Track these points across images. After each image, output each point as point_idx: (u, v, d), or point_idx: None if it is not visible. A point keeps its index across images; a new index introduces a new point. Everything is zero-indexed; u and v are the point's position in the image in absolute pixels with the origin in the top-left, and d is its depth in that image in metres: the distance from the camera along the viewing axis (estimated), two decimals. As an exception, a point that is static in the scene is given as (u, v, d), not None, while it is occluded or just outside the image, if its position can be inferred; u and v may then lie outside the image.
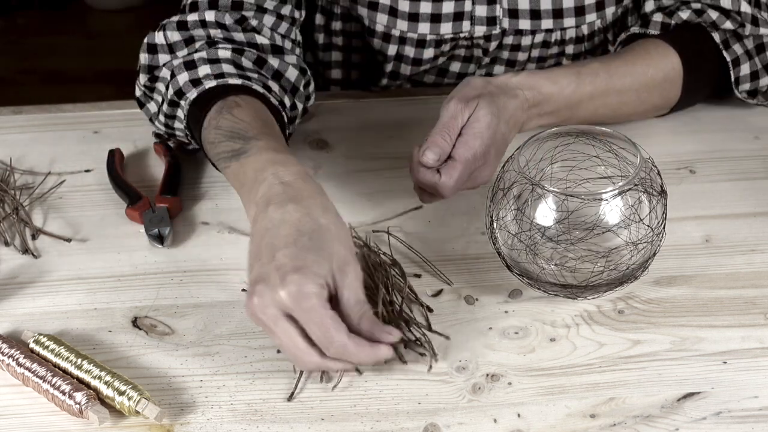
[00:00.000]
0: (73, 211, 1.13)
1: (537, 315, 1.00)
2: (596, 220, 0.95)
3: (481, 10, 1.24)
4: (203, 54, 1.11)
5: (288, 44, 1.16)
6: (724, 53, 1.19)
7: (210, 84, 1.08)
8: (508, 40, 1.27)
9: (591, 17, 1.26)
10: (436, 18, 1.25)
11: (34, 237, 1.09)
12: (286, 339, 0.87)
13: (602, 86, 1.13)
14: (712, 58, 1.20)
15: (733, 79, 1.20)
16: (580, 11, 1.25)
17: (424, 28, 1.25)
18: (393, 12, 1.25)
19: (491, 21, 1.25)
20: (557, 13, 1.25)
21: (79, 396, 0.89)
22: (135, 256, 1.07)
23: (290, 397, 0.92)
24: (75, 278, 1.05)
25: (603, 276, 0.96)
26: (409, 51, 1.28)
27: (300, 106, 1.16)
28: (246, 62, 1.11)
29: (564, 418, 0.90)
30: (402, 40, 1.28)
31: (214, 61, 1.10)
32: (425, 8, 1.24)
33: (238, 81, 1.08)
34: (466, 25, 1.25)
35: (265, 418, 0.90)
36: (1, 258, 1.07)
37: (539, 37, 1.27)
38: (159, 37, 1.13)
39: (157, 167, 1.19)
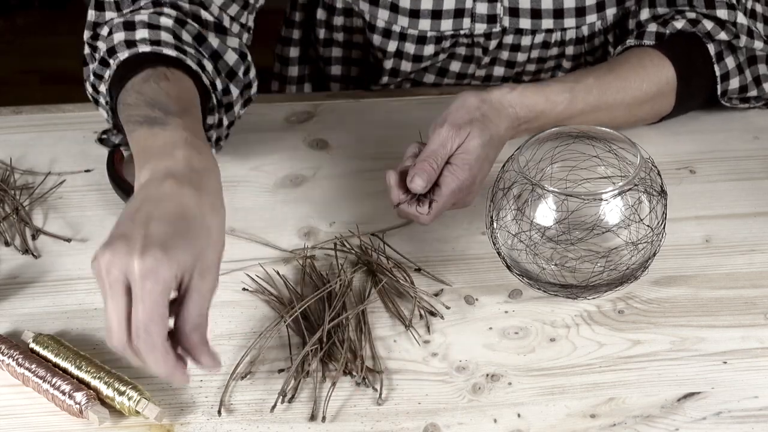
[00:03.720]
0: (73, 211, 1.13)
1: (537, 315, 1.00)
2: (596, 220, 0.95)
3: (482, 8, 1.24)
4: (144, 17, 1.07)
5: (236, 27, 1.15)
6: (716, 67, 1.18)
7: (144, 48, 1.05)
8: (508, 39, 1.27)
9: (591, 18, 1.26)
10: (436, 14, 1.25)
11: (34, 237, 1.09)
12: (111, 306, 0.81)
13: (594, 103, 1.12)
14: (705, 69, 1.18)
15: (719, 92, 1.19)
16: (580, 12, 1.25)
17: (424, 24, 1.25)
18: (394, 8, 1.26)
19: (491, 19, 1.25)
20: (558, 13, 1.25)
21: (79, 396, 0.89)
22: (135, 256, 1.07)
23: (291, 399, 0.92)
24: (75, 278, 1.05)
25: (603, 276, 0.96)
26: (410, 48, 1.28)
27: (235, 91, 1.12)
28: (186, 36, 1.09)
29: (564, 418, 0.90)
30: (402, 37, 1.28)
31: (154, 26, 1.07)
32: (426, 4, 1.24)
33: (173, 53, 1.05)
34: (466, 22, 1.25)
35: (264, 418, 0.90)
36: (1, 258, 1.07)
37: (539, 38, 1.27)
38: None
39: (157, 167, 1.18)
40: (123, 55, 1.06)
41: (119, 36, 1.07)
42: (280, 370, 0.94)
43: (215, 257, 0.85)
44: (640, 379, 0.93)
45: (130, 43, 1.06)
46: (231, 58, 1.12)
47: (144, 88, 1.00)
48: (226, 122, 1.12)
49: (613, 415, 0.90)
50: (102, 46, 1.10)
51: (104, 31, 1.10)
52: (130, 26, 1.07)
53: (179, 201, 0.85)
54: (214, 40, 1.11)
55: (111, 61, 1.07)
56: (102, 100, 1.12)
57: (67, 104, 1.29)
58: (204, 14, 1.12)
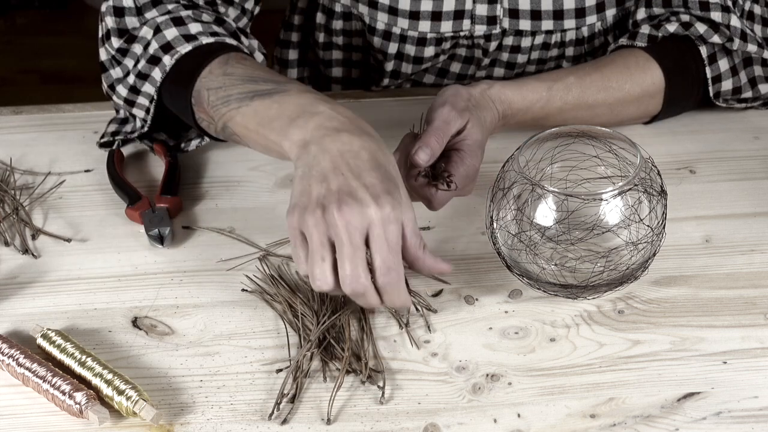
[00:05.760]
0: (73, 211, 1.13)
1: (537, 315, 1.00)
2: (596, 220, 0.95)
3: (482, 9, 1.24)
4: (189, 13, 1.11)
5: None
6: (707, 69, 1.18)
7: (207, 40, 1.08)
8: (508, 40, 1.27)
9: (591, 19, 1.26)
10: (436, 16, 1.25)
11: (34, 237, 1.09)
12: (350, 253, 0.87)
13: (573, 101, 1.13)
14: (696, 71, 1.18)
15: (712, 94, 1.20)
16: (580, 13, 1.25)
17: (424, 26, 1.26)
18: (393, 10, 1.26)
19: (491, 20, 1.25)
20: (557, 15, 1.25)
21: (79, 396, 0.89)
22: (135, 256, 1.07)
23: (292, 399, 0.91)
24: (75, 278, 1.05)
25: (603, 276, 0.96)
26: (410, 49, 1.28)
27: None
28: (224, 32, 1.13)
29: (564, 418, 0.90)
30: (403, 39, 1.28)
31: (202, 22, 1.11)
32: (426, 6, 1.24)
33: (234, 42, 1.09)
34: (466, 23, 1.25)
35: (264, 418, 0.90)
36: (1, 258, 1.07)
37: (539, 39, 1.27)
38: (126, 0, 1.13)
39: (157, 167, 1.19)
40: (185, 48, 1.08)
41: (172, 32, 1.10)
42: (278, 370, 0.94)
43: (404, 186, 0.93)
44: (640, 379, 0.93)
45: (188, 37, 1.09)
46: (259, 57, 1.16)
47: (230, 70, 1.04)
48: None
49: (613, 415, 0.90)
50: (138, 48, 1.11)
51: (144, 32, 1.12)
52: (179, 22, 1.10)
53: (368, 150, 0.92)
54: (244, 39, 1.15)
55: (167, 57, 1.09)
56: (143, 100, 1.13)
57: (67, 104, 1.29)
58: (227, 20, 1.16)
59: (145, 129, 1.16)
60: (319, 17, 1.34)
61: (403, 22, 1.26)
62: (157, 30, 1.10)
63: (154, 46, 1.10)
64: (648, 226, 0.96)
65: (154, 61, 1.10)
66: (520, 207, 0.96)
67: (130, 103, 1.15)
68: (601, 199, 0.94)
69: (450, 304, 1.01)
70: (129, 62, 1.13)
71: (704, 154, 1.19)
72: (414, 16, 1.25)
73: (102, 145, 1.19)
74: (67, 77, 2.70)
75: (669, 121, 1.23)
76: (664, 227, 0.97)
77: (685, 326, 0.98)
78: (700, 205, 1.12)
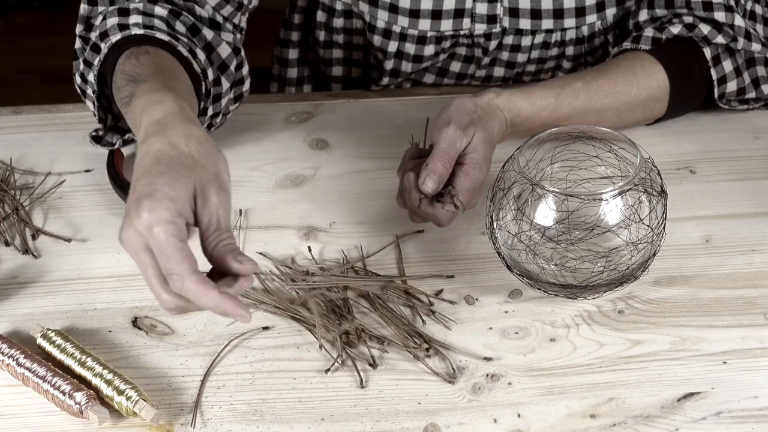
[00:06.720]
0: (73, 211, 1.13)
1: (537, 315, 1.00)
2: (596, 220, 0.95)
3: (482, 8, 1.24)
4: (139, 5, 1.09)
5: (228, 26, 1.15)
6: (712, 71, 1.18)
7: (137, 31, 1.05)
8: (508, 39, 1.27)
9: (591, 18, 1.26)
10: (436, 15, 1.25)
11: (34, 237, 1.09)
12: (144, 275, 0.82)
13: (581, 107, 1.13)
14: (701, 74, 1.18)
15: (717, 96, 1.20)
16: (580, 12, 1.25)
17: (424, 24, 1.26)
18: (394, 8, 1.26)
19: (491, 19, 1.25)
20: (558, 14, 1.25)
21: (79, 396, 0.89)
22: (135, 256, 1.07)
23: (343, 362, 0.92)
24: (75, 278, 1.05)
25: (603, 276, 0.96)
26: (410, 48, 1.28)
27: (226, 84, 1.13)
28: (179, 26, 1.10)
29: (564, 418, 0.90)
30: (403, 37, 1.28)
31: (148, 14, 1.08)
32: (426, 5, 1.24)
33: (165, 37, 1.06)
34: (466, 22, 1.25)
35: (265, 418, 0.90)
36: (1, 258, 1.07)
37: (539, 38, 1.27)
38: None
39: (157, 167, 1.18)
40: (115, 37, 1.06)
41: (113, 20, 1.08)
42: (327, 370, 0.94)
43: (209, 173, 0.84)
44: (640, 379, 0.93)
45: (122, 27, 1.07)
46: (224, 51, 1.13)
47: (126, 67, 1.01)
48: (210, 112, 1.13)
49: (613, 415, 0.90)
50: (94, 34, 1.10)
51: (98, 20, 1.11)
52: (124, 12, 1.08)
53: (150, 152, 0.86)
54: (208, 33, 1.12)
55: (102, 45, 1.07)
56: (89, 90, 1.11)
57: (67, 104, 1.29)
58: (198, 10, 1.13)
59: (98, 123, 1.14)
60: (320, 15, 1.34)
61: (403, 21, 1.26)
62: (104, 18, 1.09)
63: (95, 34, 1.09)
64: (648, 226, 0.96)
65: (96, 48, 1.09)
66: (520, 207, 0.96)
67: (83, 92, 1.13)
68: (601, 199, 0.94)
69: (450, 304, 1.01)
70: (86, 50, 1.12)
71: (704, 154, 1.19)
72: (414, 14, 1.25)
73: (92, 140, 1.18)
74: (67, 77, 2.68)
75: (669, 121, 1.22)
76: (664, 227, 0.97)
77: (685, 326, 0.98)
78: (700, 205, 1.12)
